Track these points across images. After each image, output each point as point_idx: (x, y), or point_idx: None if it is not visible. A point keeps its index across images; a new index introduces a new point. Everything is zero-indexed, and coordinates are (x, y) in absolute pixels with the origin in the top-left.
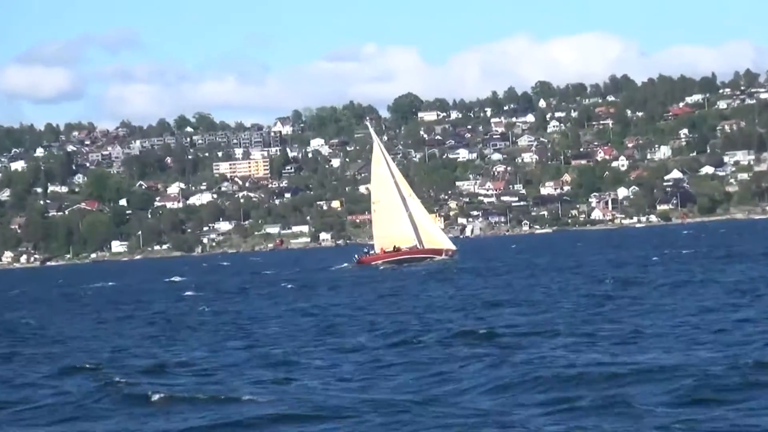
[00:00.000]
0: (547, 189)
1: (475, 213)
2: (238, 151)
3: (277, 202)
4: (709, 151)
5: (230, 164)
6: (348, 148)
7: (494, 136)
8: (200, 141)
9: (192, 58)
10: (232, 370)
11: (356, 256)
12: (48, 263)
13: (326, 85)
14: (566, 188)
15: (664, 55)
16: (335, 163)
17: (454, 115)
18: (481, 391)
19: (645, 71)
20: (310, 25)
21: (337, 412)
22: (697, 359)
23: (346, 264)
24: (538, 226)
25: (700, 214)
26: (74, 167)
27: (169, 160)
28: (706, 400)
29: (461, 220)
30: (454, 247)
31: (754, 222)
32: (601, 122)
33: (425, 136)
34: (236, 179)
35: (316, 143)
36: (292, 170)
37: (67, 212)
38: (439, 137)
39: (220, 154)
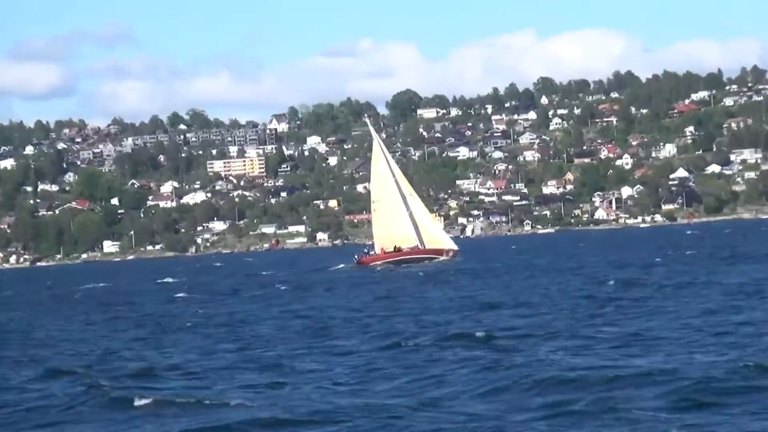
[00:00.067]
0: (550, 188)
1: (475, 212)
2: (233, 149)
3: (272, 201)
4: (715, 149)
5: (225, 162)
6: (345, 146)
7: (495, 134)
8: (194, 139)
9: (185, 53)
10: (222, 373)
11: (356, 256)
12: (38, 264)
13: (323, 82)
14: (569, 187)
15: (668, 50)
16: (332, 161)
17: (454, 112)
18: (476, 394)
19: (649, 67)
20: (305, 19)
21: (329, 417)
22: (698, 362)
23: (342, 265)
24: (540, 226)
25: (706, 214)
26: (65, 165)
27: (162, 158)
28: (707, 403)
29: (461, 220)
30: (455, 247)
31: (761, 222)
32: (605, 119)
33: (424, 133)
34: (231, 178)
35: (313, 141)
36: (288, 169)
37: (57, 211)
38: (439, 135)
39: (214, 152)
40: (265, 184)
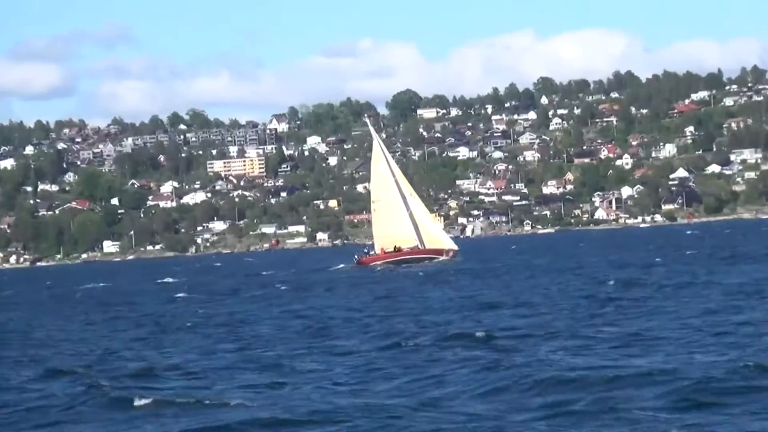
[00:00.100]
0: (550, 188)
1: (475, 212)
2: (233, 149)
3: (272, 201)
4: (715, 149)
5: (225, 162)
6: (345, 146)
7: (495, 134)
8: (194, 139)
9: (185, 53)
10: (222, 373)
11: (356, 256)
12: (38, 264)
13: (323, 81)
14: (569, 187)
15: (669, 50)
16: (332, 161)
17: (454, 112)
18: (476, 394)
19: (650, 67)
20: (305, 19)
21: (329, 417)
22: (698, 362)
23: (342, 265)
24: (540, 226)
25: (706, 214)
26: (65, 165)
27: (162, 158)
28: (707, 403)
29: (461, 220)
30: (456, 248)
31: (761, 222)
32: (605, 119)
33: (424, 133)
34: (231, 178)
35: (313, 141)
36: (288, 169)
37: (57, 211)
38: (439, 135)
39: (214, 152)
40: (265, 184)
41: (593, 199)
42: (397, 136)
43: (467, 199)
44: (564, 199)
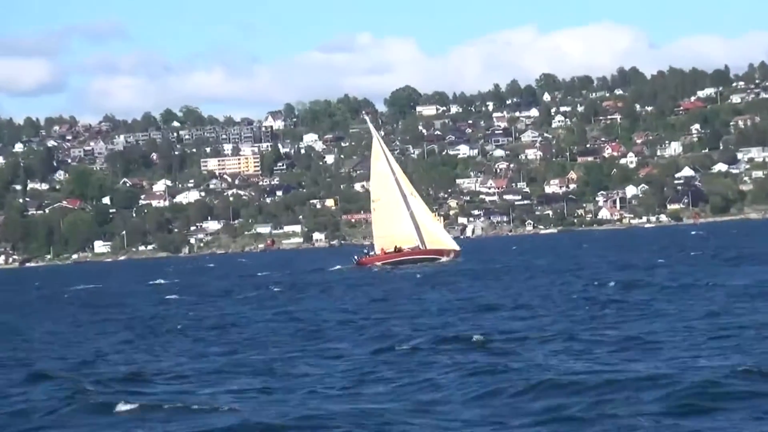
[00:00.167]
0: (552, 187)
1: (476, 212)
2: (227, 147)
3: (268, 200)
4: (722, 147)
5: (219, 161)
6: (343, 144)
7: (496, 132)
8: (187, 136)
9: (179, 48)
10: (212, 377)
11: (355, 257)
12: (27, 264)
13: (320, 78)
14: (572, 186)
15: (674, 46)
16: (329, 159)
17: (454, 109)
18: (470, 399)
19: (655, 63)
20: (302, 14)
21: (320, 423)
22: (699, 366)
23: (339, 266)
24: (542, 226)
25: (712, 214)
26: (55, 163)
27: (154, 156)
28: (707, 408)
29: (461, 220)
30: (458, 248)
31: None
32: (609, 117)
33: (424, 131)
34: (225, 176)
35: (310, 138)
36: (284, 167)
37: (47, 211)
38: (439, 132)
39: (208, 149)
40: (261, 183)
41: (597, 198)
42: (395, 133)
43: (467, 198)
44: (567, 199)
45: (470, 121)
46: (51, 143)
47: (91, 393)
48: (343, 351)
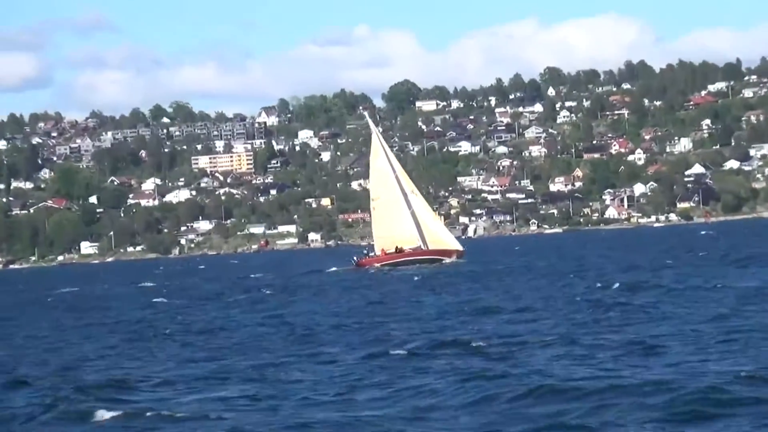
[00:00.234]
0: (557, 185)
1: (478, 211)
2: (219, 144)
3: (261, 199)
4: (733, 143)
5: (210, 158)
6: (339, 141)
7: (499, 128)
8: (177, 133)
9: (168, 42)
10: (199, 384)
11: (355, 258)
12: (11, 266)
13: (315, 72)
14: (577, 184)
15: (684, 39)
16: (325, 156)
17: (455, 104)
18: (467, 405)
19: (663, 57)
20: (296, 6)
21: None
22: (704, 371)
23: (335, 268)
24: (546, 226)
25: (723, 213)
26: (40, 161)
27: (143, 153)
28: (712, 415)
29: (463, 219)
30: (461, 248)
31: None
32: (616, 112)
33: (423, 127)
34: (217, 174)
35: (305, 135)
36: (278, 164)
37: (32, 210)
38: (439, 128)
39: (199, 147)
40: (254, 181)
41: (603, 197)
42: (394, 129)
43: (469, 197)
44: (572, 197)
45: (472, 117)
46: (36, 140)
47: (72, 400)
48: (336, 356)
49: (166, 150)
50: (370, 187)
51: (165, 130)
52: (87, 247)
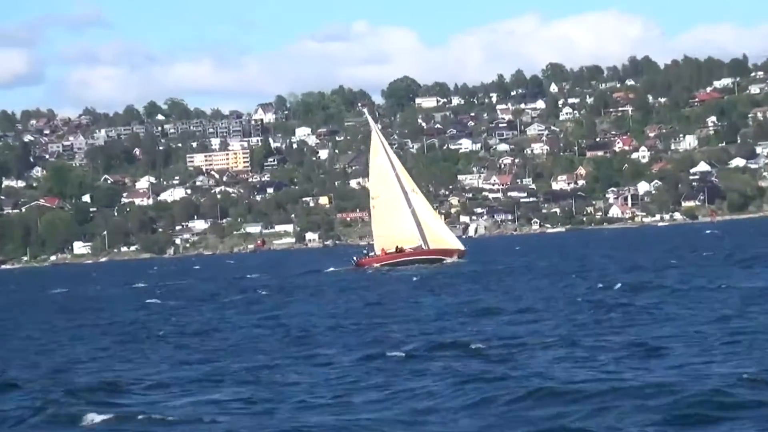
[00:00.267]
0: (560, 183)
1: (479, 210)
2: (215, 142)
3: (258, 198)
4: (739, 141)
5: (206, 156)
6: (337, 138)
7: (500, 125)
8: (172, 130)
9: (163, 37)
10: (192, 387)
11: (354, 258)
12: (2, 266)
13: (313, 68)
14: (580, 182)
15: (689, 34)
16: (323, 154)
17: (455, 101)
18: (465, 408)
19: (668, 52)
20: (294, 1)
21: None
22: (705, 374)
23: (334, 268)
24: (549, 225)
25: (729, 212)
26: (32, 159)
27: (137, 151)
28: (713, 418)
29: (464, 219)
30: (462, 248)
31: None
32: (620, 109)
33: (423, 124)
34: (213, 173)
35: (302, 132)
36: (275, 162)
37: (23, 210)
38: (439, 126)
39: (194, 144)
40: (250, 180)
41: (607, 195)
42: (393, 127)
43: (470, 195)
44: (575, 196)
45: (473, 114)
46: (27, 138)
47: (63, 403)
48: (333, 358)
49: (160, 148)
50: (370, 185)
51: (159, 128)
52: (80, 247)
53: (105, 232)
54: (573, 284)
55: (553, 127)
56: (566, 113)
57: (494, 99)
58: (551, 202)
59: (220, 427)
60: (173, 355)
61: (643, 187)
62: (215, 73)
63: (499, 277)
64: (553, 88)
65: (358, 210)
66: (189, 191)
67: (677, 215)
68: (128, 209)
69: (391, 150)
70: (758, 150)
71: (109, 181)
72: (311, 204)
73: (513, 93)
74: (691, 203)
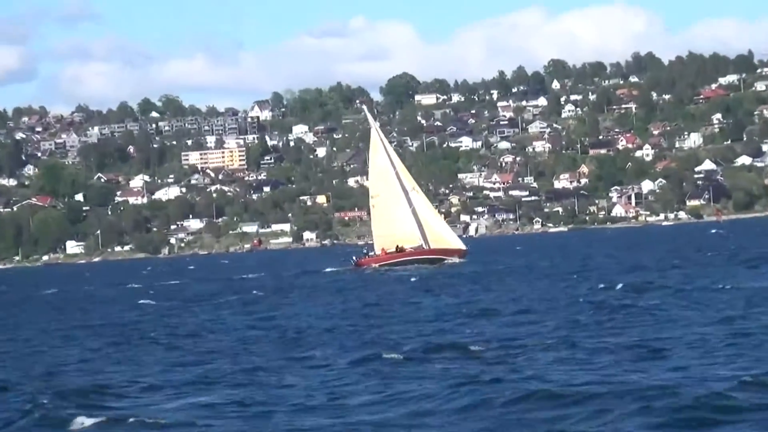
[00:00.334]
0: (562, 182)
1: (479, 209)
2: (210, 139)
3: (254, 196)
4: (745, 138)
5: (201, 154)
6: (335, 136)
7: (501, 122)
8: (167, 128)
9: (157, 33)
10: (185, 389)
11: (354, 257)
12: None
13: (310, 65)
14: (583, 181)
15: (694, 30)
16: (320, 152)
17: (455, 98)
18: (462, 411)
19: (672, 48)
20: None
21: None
22: (707, 376)
23: (333, 268)
24: (551, 224)
25: (735, 211)
26: (24, 157)
27: (131, 149)
28: (714, 421)
29: (464, 218)
30: (464, 247)
31: None
32: (623, 106)
33: (423, 121)
34: (208, 171)
35: (299, 130)
36: (272, 161)
37: (15, 208)
38: (439, 123)
39: (189, 142)
40: (246, 178)
41: (610, 194)
42: (392, 124)
43: (470, 194)
44: (578, 195)
45: (473, 111)
46: (19, 135)
47: (52, 406)
48: (329, 359)
49: (155, 145)
50: (370, 184)
51: (154, 125)
52: (73, 247)
53: (98, 232)
54: (574, 285)
55: (555, 125)
56: (568, 110)
57: (495, 96)
58: (553, 201)
59: (214, 431)
60: (166, 356)
61: (647, 185)
62: (211, 70)
63: (500, 278)
64: (555, 84)
65: (356, 209)
66: (184, 190)
67: (682, 214)
68: (122, 208)
69: (391, 148)
70: (764, 148)
71: (102, 180)
72: (308, 203)
73: (514, 90)
74: (696, 202)
